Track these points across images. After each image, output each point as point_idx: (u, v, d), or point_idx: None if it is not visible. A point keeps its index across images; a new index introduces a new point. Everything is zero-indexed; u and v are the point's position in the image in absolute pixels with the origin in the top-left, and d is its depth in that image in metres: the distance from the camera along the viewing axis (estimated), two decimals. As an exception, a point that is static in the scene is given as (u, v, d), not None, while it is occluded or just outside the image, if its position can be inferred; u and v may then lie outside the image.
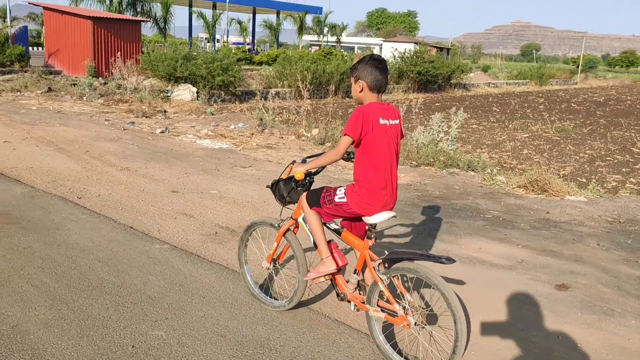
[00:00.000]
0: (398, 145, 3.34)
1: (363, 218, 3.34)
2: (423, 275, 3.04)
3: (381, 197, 3.23)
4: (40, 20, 44.83)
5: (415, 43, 63.89)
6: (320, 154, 3.52)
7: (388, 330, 3.47)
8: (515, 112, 28.86)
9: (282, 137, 11.97)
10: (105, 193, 6.85)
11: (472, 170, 9.36)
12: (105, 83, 21.20)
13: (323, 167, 3.59)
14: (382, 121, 3.18)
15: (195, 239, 5.44)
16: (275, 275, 4.17)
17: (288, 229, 3.70)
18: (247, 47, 48.66)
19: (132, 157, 9.01)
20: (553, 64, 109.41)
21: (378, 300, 3.31)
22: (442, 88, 41.32)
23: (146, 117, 14.16)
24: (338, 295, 3.57)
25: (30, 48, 33.42)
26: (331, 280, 3.60)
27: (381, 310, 3.28)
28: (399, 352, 3.33)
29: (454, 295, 2.96)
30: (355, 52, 71.01)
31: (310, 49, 59.70)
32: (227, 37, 49.50)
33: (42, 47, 34.73)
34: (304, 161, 3.59)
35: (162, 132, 11.79)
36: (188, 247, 5.21)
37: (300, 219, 3.64)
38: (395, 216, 3.34)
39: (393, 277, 3.21)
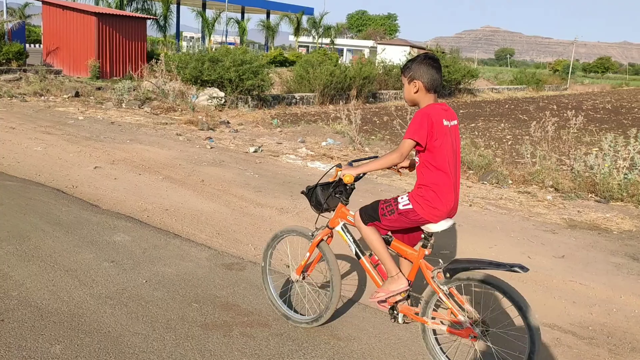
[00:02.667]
0: (459, 147, 3.14)
1: (425, 226, 3.09)
2: (497, 286, 2.81)
3: (449, 202, 3.03)
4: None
5: (411, 47, 62.89)
6: (370, 158, 3.38)
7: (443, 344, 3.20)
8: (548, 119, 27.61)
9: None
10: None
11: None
12: (99, 88, 18.96)
13: (365, 173, 3.23)
14: (445, 122, 2.99)
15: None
16: (302, 289, 3.79)
17: (322, 239, 3.42)
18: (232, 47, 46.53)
19: (264, 190, 7.18)
20: (527, 68, 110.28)
21: (433, 311, 3.12)
22: (452, 93, 40.10)
23: (210, 129, 12.25)
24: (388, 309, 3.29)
25: (27, 45, 30.77)
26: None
27: (441, 322, 3.07)
28: None
29: (530, 309, 2.73)
30: (345, 54, 69.61)
31: (298, 50, 58.06)
32: (226, 37, 47.37)
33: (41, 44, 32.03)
34: (350, 164, 3.30)
35: (255, 151, 9.93)
36: None
37: (338, 228, 3.39)
38: (455, 223, 3.17)
39: (452, 287, 2.99)
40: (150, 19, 31.83)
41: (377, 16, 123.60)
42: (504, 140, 17.82)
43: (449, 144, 3.01)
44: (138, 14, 31.37)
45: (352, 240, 3.38)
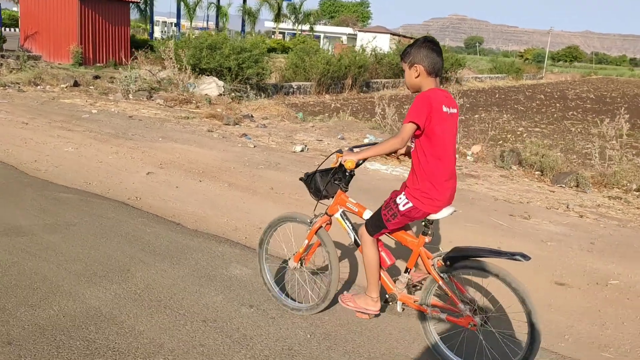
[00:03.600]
0: (456, 135, 3.07)
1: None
2: (498, 274, 2.77)
3: (447, 190, 2.96)
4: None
5: (392, 34, 62.26)
6: (372, 143, 3.29)
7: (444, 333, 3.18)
8: (542, 108, 27.36)
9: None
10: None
11: None
12: (96, 76, 17.65)
13: (365, 159, 3.19)
14: (444, 109, 2.88)
15: None
16: (301, 276, 3.73)
17: (320, 227, 3.37)
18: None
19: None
20: (499, 57, 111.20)
21: (433, 300, 3.07)
22: (440, 82, 39.62)
23: (236, 124, 11.33)
24: (386, 298, 3.24)
25: (2, 29, 28.92)
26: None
27: (440, 310, 3.02)
28: (458, 355, 3.03)
29: (532, 299, 2.70)
30: (322, 41, 68.47)
31: (272, 36, 56.71)
32: (207, 22, 45.83)
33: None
34: (351, 150, 3.24)
35: (302, 150, 9.08)
36: None
37: (337, 216, 3.34)
38: (456, 210, 3.03)
39: (452, 276, 2.95)
40: (133, 2, 30.28)
41: (349, 3, 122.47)
42: (517, 132, 17.30)
43: (447, 131, 2.91)
44: (121, -3, 29.74)
45: (351, 227, 3.32)
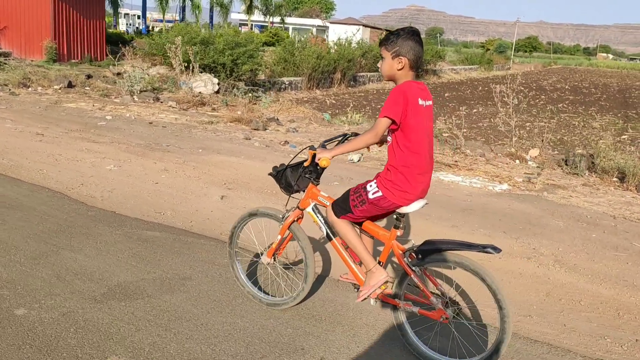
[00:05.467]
0: (432, 128, 2.98)
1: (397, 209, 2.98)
2: (469, 267, 2.78)
3: (420, 184, 2.90)
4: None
5: (363, 26, 61.64)
6: (342, 136, 3.37)
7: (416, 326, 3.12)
8: (529, 100, 27.02)
9: (494, 162, 8.84)
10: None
11: None
12: (89, 75, 16.34)
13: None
14: (420, 102, 2.84)
15: None
16: (275, 271, 3.66)
17: (293, 221, 3.31)
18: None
19: (461, 224, 5.56)
20: (460, 47, 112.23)
21: (405, 293, 3.04)
22: (419, 75, 39.19)
23: (265, 128, 10.38)
24: (359, 290, 3.13)
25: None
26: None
27: (413, 304, 3.00)
28: (432, 348, 3.05)
29: (504, 291, 2.73)
30: (291, 33, 67.22)
31: (240, 28, 55.30)
32: (181, 15, 44.17)
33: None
34: (323, 146, 3.17)
35: (359, 160, 8.24)
36: None
37: (309, 209, 3.25)
38: (427, 203, 2.98)
39: (424, 269, 2.97)
40: (108, -6, 28.64)
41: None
42: (526, 127, 16.81)
43: (423, 124, 2.87)
44: (96, -11, 28.01)
45: (323, 221, 3.24)
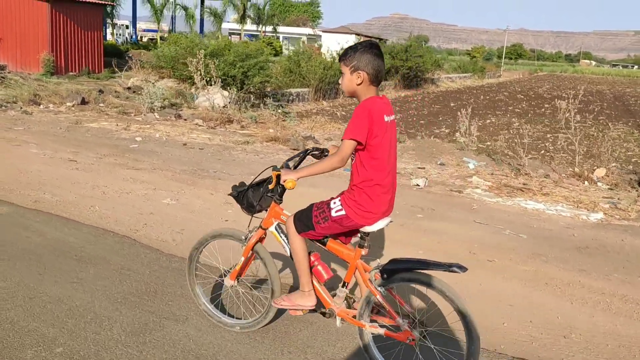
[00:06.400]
0: (396, 144, 2.91)
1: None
2: (436, 287, 2.71)
3: (383, 204, 2.83)
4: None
5: (356, 34, 61.32)
6: (302, 153, 3.28)
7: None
8: (533, 108, 26.54)
9: (564, 185, 8.22)
10: None
11: None
12: (100, 91, 15.54)
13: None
14: (385, 118, 2.77)
15: None
16: (237, 293, 3.52)
17: (257, 241, 3.22)
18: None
19: (591, 269, 4.91)
20: (446, 55, 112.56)
21: (371, 315, 2.93)
22: (418, 84, 38.72)
23: (296, 149, 9.68)
24: (324, 313, 3.09)
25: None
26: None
27: (379, 325, 2.89)
28: None
29: (469, 311, 2.64)
30: (282, 42, 66.63)
31: (230, 37, 54.54)
32: (174, 26, 43.38)
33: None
34: (286, 165, 3.09)
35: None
36: None
37: (272, 229, 3.18)
38: (392, 221, 2.95)
39: (390, 289, 2.87)
40: (106, 4, 27.78)
41: (299, 3, 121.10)
42: (556, 142, 16.15)
43: (387, 140, 2.77)
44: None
45: (286, 241, 3.14)
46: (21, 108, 11.57)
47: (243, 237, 3.27)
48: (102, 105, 12.94)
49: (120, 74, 20.77)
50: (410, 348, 2.89)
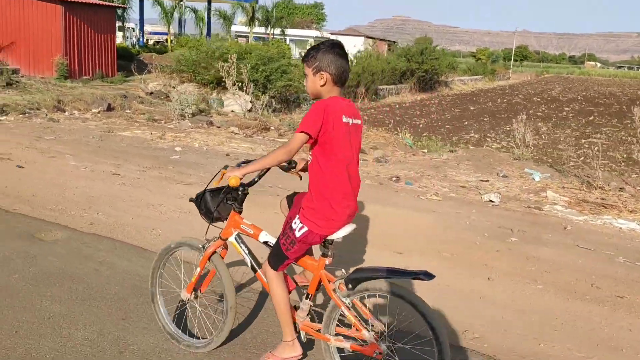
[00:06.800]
0: (359, 150, 2.81)
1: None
2: (403, 296, 2.56)
3: (345, 209, 2.72)
4: None
5: (365, 37, 60.85)
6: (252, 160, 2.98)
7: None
8: (556, 112, 25.95)
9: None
10: None
11: None
12: (124, 96, 14.93)
13: (262, 175, 3.03)
14: (345, 119, 2.65)
15: None
16: (194, 309, 3.33)
17: (214, 252, 3.04)
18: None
19: None
20: (456, 57, 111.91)
21: (336, 327, 2.80)
22: (432, 87, 38.15)
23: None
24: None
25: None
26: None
27: (344, 338, 2.75)
28: None
29: (437, 319, 2.54)
30: (288, 44, 66.05)
31: (236, 39, 54.00)
32: (184, 29, 42.90)
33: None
34: (239, 166, 2.87)
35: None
36: None
37: (231, 239, 3.02)
38: (355, 227, 2.80)
39: (354, 299, 2.72)
40: (119, 7, 27.25)
41: (303, 5, 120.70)
42: (594, 146, 15.54)
43: (346, 143, 2.66)
44: (105, 2, 26.60)
45: (247, 251, 3.01)
46: (46, 115, 11.01)
47: (200, 246, 3.07)
48: (128, 111, 12.37)
49: (139, 77, 20.24)
50: None
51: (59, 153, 7.99)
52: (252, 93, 15.26)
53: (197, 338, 3.23)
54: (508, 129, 20.57)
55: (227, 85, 16.18)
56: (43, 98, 12.24)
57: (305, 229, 2.73)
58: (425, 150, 10.76)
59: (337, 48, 2.71)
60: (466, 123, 22.10)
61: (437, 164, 9.11)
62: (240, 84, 17.04)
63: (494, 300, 4.04)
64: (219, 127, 11.03)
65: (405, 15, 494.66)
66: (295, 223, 2.77)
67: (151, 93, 15.42)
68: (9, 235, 4.70)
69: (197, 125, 11.25)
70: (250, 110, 16.31)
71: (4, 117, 10.41)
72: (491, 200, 6.94)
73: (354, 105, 2.80)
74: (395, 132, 14.29)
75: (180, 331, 3.25)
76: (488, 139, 17.81)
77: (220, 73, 14.16)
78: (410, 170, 8.50)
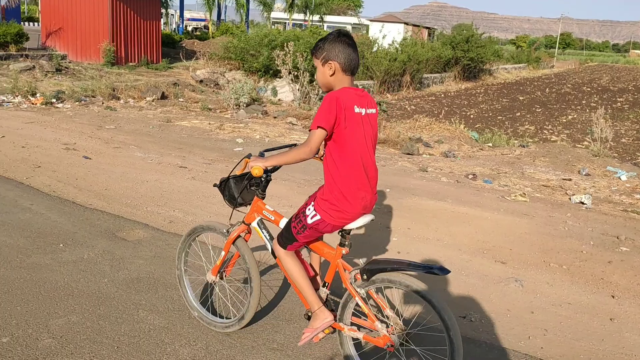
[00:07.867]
0: (375, 139, 2.77)
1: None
2: (417, 289, 2.53)
3: (360, 200, 2.66)
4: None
5: (405, 24, 59.76)
6: (285, 147, 3.10)
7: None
8: (612, 103, 24.86)
9: None
10: None
11: None
12: (175, 84, 14.71)
13: (277, 166, 2.87)
14: (357, 109, 2.61)
15: None
16: (222, 290, 3.43)
17: (239, 236, 3.08)
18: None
19: None
20: (502, 45, 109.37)
21: (351, 317, 2.81)
22: (476, 76, 37.16)
23: (419, 152, 8.68)
24: (306, 313, 2.93)
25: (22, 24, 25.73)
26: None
27: (358, 328, 2.78)
28: None
29: (451, 314, 2.47)
30: (326, 30, 65.40)
31: (274, 26, 53.61)
32: (225, 14, 42.72)
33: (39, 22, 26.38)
34: (261, 155, 2.90)
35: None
36: None
37: (254, 224, 3.05)
38: (373, 219, 2.76)
39: (370, 290, 2.70)
40: (164, -7, 27.14)
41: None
42: None
43: (360, 133, 2.61)
44: (152, -12, 26.50)
45: (268, 237, 3.02)
46: (103, 103, 10.87)
47: (225, 231, 3.12)
48: (181, 100, 12.16)
49: (183, 64, 20.10)
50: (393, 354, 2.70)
51: (123, 144, 7.80)
52: (307, 82, 14.91)
53: (222, 318, 3.27)
54: (564, 120, 19.80)
55: (281, 74, 15.85)
56: (97, 85, 12.13)
57: (318, 217, 2.69)
58: (490, 144, 10.26)
59: (344, 37, 2.66)
60: (518, 114, 21.35)
61: (510, 160, 8.62)
62: (295, 73, 16.73)
63: (629, 323, 3.62)
64: (275, 118, 10.74)
65: (442, 2, 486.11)
66: (309, 209, 2.74)
67: (201, 81, 15.22)
68: (91, 235, 4.48)
69: (253, 115, 10.98)
70: (304, 101, 16.00)
71: (61, 105, 10.32)
72: (582, 203, 6.47)
73: (368, 94, 2.73)
74: (450, 123, 13.78)
75: (208, 312, 3.30)
76: (545, 131, 17.09)
77: (276, 61, 13.83)
78: (484, 167, 8.05)
